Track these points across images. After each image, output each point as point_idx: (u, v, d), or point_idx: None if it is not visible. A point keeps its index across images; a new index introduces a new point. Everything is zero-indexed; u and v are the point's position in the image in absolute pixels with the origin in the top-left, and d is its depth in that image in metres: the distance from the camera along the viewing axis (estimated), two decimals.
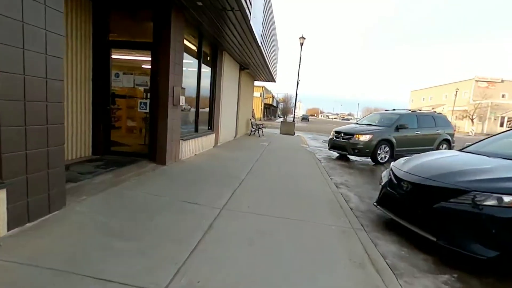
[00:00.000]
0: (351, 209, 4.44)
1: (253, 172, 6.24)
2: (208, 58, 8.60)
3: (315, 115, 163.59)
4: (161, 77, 5.59)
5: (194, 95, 7.50)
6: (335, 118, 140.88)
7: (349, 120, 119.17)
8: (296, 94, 20.12)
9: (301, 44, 19.69)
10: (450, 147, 11.14)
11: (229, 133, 11.52)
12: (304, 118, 65.23)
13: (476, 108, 42.99)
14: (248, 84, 15.57)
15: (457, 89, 44.27)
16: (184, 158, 6.76)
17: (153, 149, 5.81)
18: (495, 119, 43.63)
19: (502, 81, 46.78)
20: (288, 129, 18.98)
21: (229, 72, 10.64)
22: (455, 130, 11.30)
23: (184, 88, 6.17)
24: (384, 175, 4.36)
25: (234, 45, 9.15)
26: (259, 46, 9.31)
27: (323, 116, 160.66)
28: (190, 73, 7.33)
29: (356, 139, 9.47)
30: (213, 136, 9.04)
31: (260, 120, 45.59)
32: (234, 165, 6.81)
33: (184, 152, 6.74)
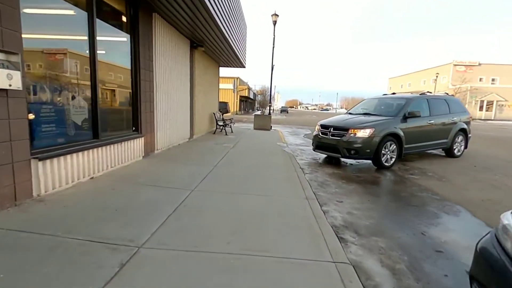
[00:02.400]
0: None
1: (179, 217, 3.27)
2: (123, 18, 5.45)
3: (294, 106, 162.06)
4: None
5: (86, 74, 4.36)
6: (314, 109, 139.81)
7: (328, 110, 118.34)
8: (271, 80, 17.18)
9: (274, 22, 16.76)
10: (466, 140, 8.65)
11: (177, 134, 8.43)
12: (283, 110, 62.76)
13: (456, 92, 42.05)
14: (209, 69, 12.45)
15: (437, 73, 43.14)
16: (54, 191, 3.66)
17: None
18: (475, 103, 42.99)
19: (479, 64, 46.19)
20: (263, 123, 16.08)
21: (170, 47, 7.51)
22: (470, 117, 8.83)
23: (17, 54, 3.05)
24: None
25: (173, 8, 6.04)
26: (211, 14, 6.27)
27: (302, 107, 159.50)
28: (71, 34, 4.20)
29: (352, 135, 6.70)
30: (140, 141, 5.95)
31: (237, 114, 42.39)
32: (150, 201, 3.81)
33: (55, 180, 3.65)
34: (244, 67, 15.24)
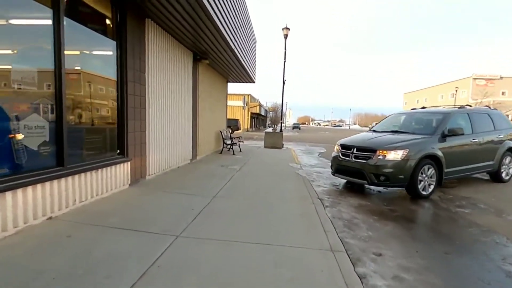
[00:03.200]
0: None
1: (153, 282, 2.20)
2: (107, 21, 4.64)
3: (306, 123, 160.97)
4: None
5: (48, 84, 3.47)
6: (326, 125, 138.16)
7: (341, 126, 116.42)
8: (283, 96, 16.26)
9: (285, 36, 16.06)
10: None
11: (176, 155, 7.48)
12: (295, 127, 61.75)
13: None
14: (216, 85, 11.66)
15: (457, 87, 41.38)
16: None
17: None
18: None
19: (501, 77, 44.22)
20: (274, 141, 15.04)
21: (168, 59, 6.70)
22: None
23: None
24: None
25: (169, 12, 5.24)
26: (213, 20, 5.46)
27: (315, 123, 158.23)
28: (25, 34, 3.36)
29: (381, 157, 5.53)
30: (125, 167, 4.99)
31: (248, 131, 41.63)
32: (110, 259, 2.78)
33: None
34: (254, 82, 14.44)
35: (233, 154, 11.22)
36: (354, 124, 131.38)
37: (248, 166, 8.34)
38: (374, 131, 7.17)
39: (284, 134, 16.64)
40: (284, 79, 16.29)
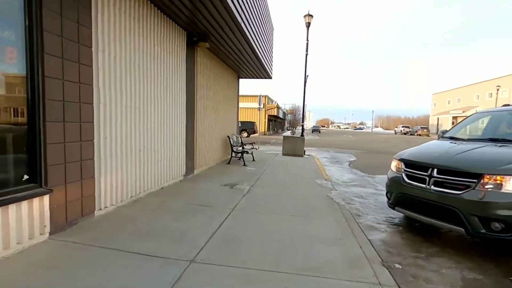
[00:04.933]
0: None
1: None
2: None
3: (326, 126, 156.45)
4: None
5: None
6: (346, 128, 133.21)
7: (362, 129, 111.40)
8: (304, 94, 13.86)
9: (308, 24, 13.76)
10: None
11: (159, 172, 5.36)
12: (315, 130, 58.33)
13: None
14: (223, 79, 9.51)
15: (499, 86, 37.07)
16: None
17: None
18: None
19: None
20: (294, 147, 12.67)
21: (144, 33, 4.58)
22: None
23: None
24: None
25: None
26: None
27: (334, 126, 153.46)
28: None
29: (493, 187, 3.08)
30: (39, 204, 2.87)
31: (265, 134, 39.35)
32: None
33: None
34: (270, 77, 12.19)
35: (244, 164, 8.99)
36: (376, 127, 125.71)
37: (259, 187, 6.06)
38: (453, 138, 4.68)
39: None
40: (306, 74, 13.93)
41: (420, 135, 47.25)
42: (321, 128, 73.66)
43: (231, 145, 9.21)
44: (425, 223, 3.73)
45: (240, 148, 9.63)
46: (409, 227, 4.11)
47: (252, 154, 10.20)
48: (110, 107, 3.85)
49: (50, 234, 2.98)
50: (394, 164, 4.37)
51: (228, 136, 9.28)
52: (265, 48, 9.56)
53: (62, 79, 3.06)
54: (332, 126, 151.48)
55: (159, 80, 5.17)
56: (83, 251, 2.76)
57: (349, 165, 11.04)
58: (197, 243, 3.08)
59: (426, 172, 3.67)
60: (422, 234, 3.85)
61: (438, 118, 56.36)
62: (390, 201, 4.24)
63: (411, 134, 52.02)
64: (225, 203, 4.66)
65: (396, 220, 4.39)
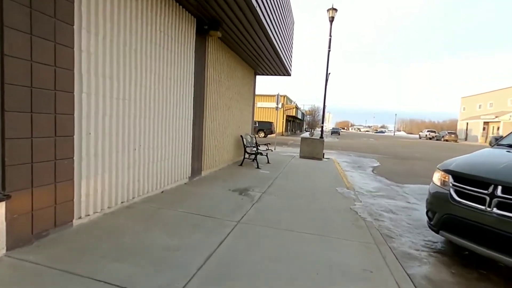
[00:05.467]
0: None
1: None
2: None
3: (346, 128, 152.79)
4: None
5: None
6: (367, 131, 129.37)
7: (383, 132, 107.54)
8: (325, 92, 12.97)
9: (331, 19, 12.88)
10: None
11: (160, 173, 4.79)
12: (334, 132, 56.25)
13: None
14: (238, 74, 8.88)
15: None
16: None
17: None
18: None
19: None
20: (312, 150, 11.85)
21: (142, 15, 4.00)
22: None
23: None
24: None
25: None
26: None
27: (354, 128, 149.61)
28: None
29: None
30: None
31: (282, 135, 38.48)
32: None
33: None
34: (289, 74, 11.43)
35: (257, 167, 8.31)
36: (399, 130, 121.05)
37: (271, 194, 5.35)
38: (510, 146, 3.76)
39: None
40: (328, 72, 13.04)
41: (447, 140, 44.65)
42: (341, 130, 70.59)
43: (244, 145, 8.55)
44: (480, 255, 2.88)
45: (254, 149, 8.97)
46: (457, 257, 3.27)
47: (267, 155, 9.51)
48: (97, 97, 3.28)
49: (7, 250, 2.43)
50: (437, 176, 3.53)
51: (241, 136, 8.63)
52: (284, 41, 8.84)
53: (30, 60, 2.51)
54: (352, 129, 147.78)
55: (162, 70, 4.59)
56: (37, 277, 2.17)
57: (372, 171, 10.09)
58: (186, 270, 2.43)
59: (486, 189, 2.83)
60: (476, 267, 3.01)
61: (467, 123, 53.20)
62: (432, 223, 3.40)
63: (437, 139, 49.34)
64: (230, 213, 4.00)
65: (439, 245, 3.56)
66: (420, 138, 56.46)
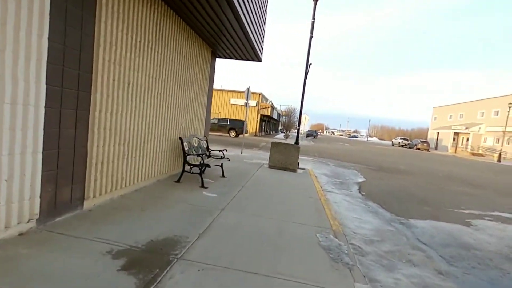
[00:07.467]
0: None
1: None
2: None
3: (320, 131, 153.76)
4: None
5: None
6: (341, 135, 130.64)
7: (356, 137, 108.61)
8: (304, 89, 10.48)
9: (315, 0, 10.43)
10: None
11: None
12: (310, 135, 52.52)
13: None
14: (180, 47, 6.10)
15: (511, 103, 34.36)
16: None
17: None
18: None
19: None
20: (285, 158, 9.31)
21: None
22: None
23: None
24: None
25: None
26: None
27: (328, 132, 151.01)
28: None
29: None
30: None
31: (256, 135, 35.88)
32: None
33: None
34: (260, 60, 8.81)
35: (202, 185, 5.60)
36: (371, 136, 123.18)
37: (202, 254, 2.65)
38: None
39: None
40: (309, 63, 10.59)
41: (419, 149, 44.57)
42: (317, 133, 67.41)
43: (184, 153, 5.79)
44: None
45: (205, 157, 6.23)
46: None
47: (221, 166, 6.82)
48: None
49: None
50: None
51: (180, 139, 5.82)
52: (253, 13, 6.22)
53: None
54: (326, 132, 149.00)
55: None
56: None
57: (360, 191, 7.75)
58: None
59: None
60: None
61: (438, 133, 53.94)
62: None
63: (409, 147, 49.37)
64: None
65: None
66: (393, 145, 56.48)
